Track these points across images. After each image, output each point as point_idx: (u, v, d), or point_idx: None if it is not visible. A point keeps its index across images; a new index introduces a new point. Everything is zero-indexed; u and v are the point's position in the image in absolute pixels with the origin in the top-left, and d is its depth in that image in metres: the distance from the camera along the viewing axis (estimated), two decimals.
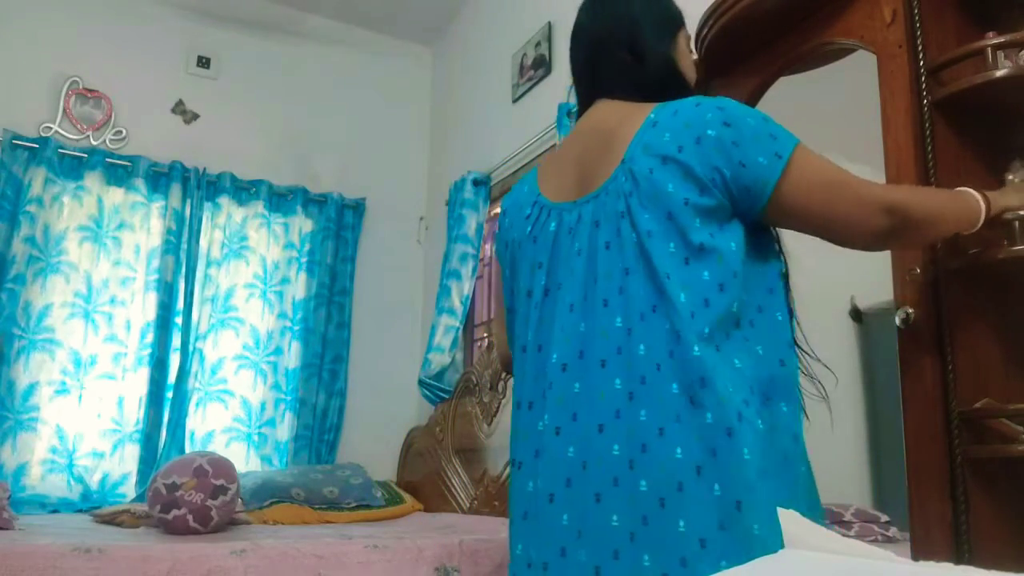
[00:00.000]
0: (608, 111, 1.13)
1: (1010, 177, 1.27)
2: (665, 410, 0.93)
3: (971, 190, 1.12)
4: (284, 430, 3.44)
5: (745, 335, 0.99)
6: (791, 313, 1.05)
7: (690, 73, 1.20)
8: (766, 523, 0.87)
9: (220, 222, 3.50)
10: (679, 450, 0.91)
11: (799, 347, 1.07)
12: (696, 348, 0.93)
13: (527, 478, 1.07)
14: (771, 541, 0.86)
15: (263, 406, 3.42)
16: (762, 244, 1.05)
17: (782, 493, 0.92)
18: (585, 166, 1.12)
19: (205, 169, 3.48)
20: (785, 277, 1.07)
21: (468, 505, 2.87)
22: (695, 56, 1.34)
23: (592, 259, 1.05)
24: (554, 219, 1.13)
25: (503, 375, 2.73)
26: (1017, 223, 1.18)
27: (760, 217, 1.03)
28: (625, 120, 1.08)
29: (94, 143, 3.35)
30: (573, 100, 1.27)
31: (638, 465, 0.93)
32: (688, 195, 0.98)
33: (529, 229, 1.17)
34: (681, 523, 0.89)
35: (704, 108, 1.02)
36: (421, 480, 3.26)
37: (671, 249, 0.98)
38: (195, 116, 3.60)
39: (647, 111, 1.06)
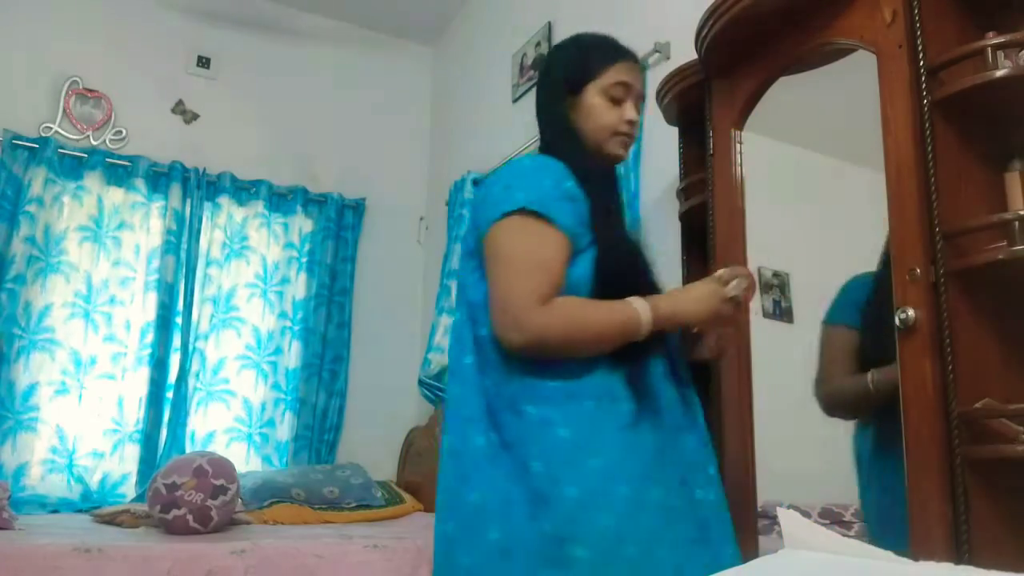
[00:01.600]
0: None
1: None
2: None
3: (635, 302, 1.14)
4: (284, 430, 3.44)
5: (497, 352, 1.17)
6: None
7: (595, 124, 1.34)
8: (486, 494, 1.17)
9: (220, 222, 3.50)
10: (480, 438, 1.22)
11: None
12: (468, 358, 1.19)
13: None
14: (490, 505, 1.17)
15: (263, 406, 3.42)
16: None
17: (507, 477, 1.15)
18: None
19: (205, 169, 3.48)
20: None
21: None
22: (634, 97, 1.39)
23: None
24: None
25: None
26: (1017, 223, 1.18)
27: None
28: None
29: (94, 143, 3.35)
30: None
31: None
32: (467, 238, 1.26)
33: None
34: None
35: (510, 164, 1.31)
36: (421, 480, 3.26)
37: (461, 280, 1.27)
38: (195, 116, 3.60)
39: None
